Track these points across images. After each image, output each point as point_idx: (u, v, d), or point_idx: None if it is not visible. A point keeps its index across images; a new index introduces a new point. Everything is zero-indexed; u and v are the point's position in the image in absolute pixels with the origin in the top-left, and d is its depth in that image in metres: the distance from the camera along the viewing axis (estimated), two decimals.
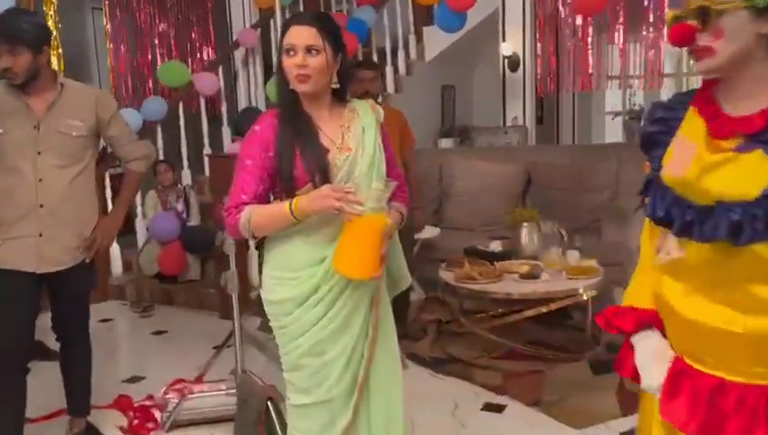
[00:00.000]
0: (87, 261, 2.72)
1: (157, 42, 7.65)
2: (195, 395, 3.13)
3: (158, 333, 4.65)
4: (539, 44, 6.95)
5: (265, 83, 6.54)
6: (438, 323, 4.23)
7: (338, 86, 1.91)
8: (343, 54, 1.91)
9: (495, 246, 4.23)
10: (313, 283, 1.86)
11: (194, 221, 5.43)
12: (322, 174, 1.82)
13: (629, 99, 8.25)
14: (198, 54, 7.86)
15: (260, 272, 1.96)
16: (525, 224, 4.10)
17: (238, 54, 6.90)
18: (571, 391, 3.27)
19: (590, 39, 6.94)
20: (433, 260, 4.41)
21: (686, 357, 1.35)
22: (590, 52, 6.95)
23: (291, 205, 1.78)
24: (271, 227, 1.85)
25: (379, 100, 3.62)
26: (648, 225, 1.49)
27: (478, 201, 5.21)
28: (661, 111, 1.40)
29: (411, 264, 2.30)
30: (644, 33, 6.99)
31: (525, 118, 6.82)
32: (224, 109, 6.59)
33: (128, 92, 7.46)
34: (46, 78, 2.58)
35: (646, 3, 6.89)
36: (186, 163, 6.14)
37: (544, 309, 3.67)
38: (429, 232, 4.72)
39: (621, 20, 6.88)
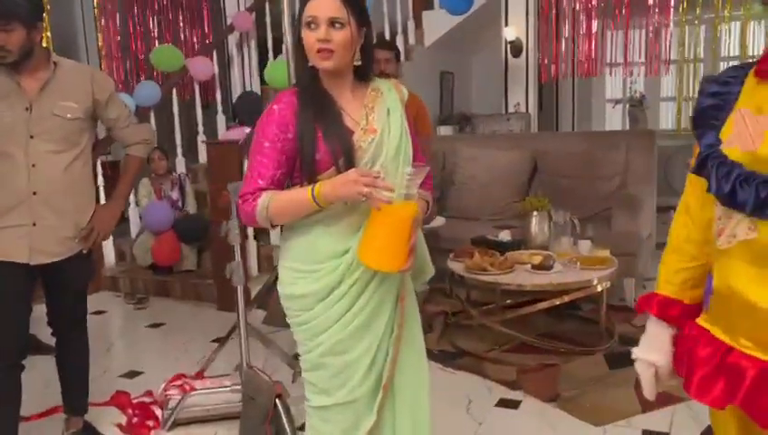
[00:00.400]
0: (84, 252, 2.56)
1: (150, 25, 7.43)
2: (197, 392, 2.99)
3: (155, 325, 4.50)
4: (542, 29, 6.79)
5: (260, 69, 6.37)
6: (445, 315, 4.11)
7: (360, 63, 1.76)
8: (368, 29, 1.76)
9: (505, 235, 4.09)
10: (336, 276, 1.71)
11: (190, 209, 5.28)
12: (347, 157, 1.67)
13: (630, 86, 8.11)
14: (192, 38, 7.65)
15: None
16: (536, 213, 3.97)
17: (232, 39, 6.74)
18: (587, 386, 3.16)
19: (594, 24, 6.80)
20: (438, 250, 4.25)
21: (752, 345, 1.27)
22: (593, 37, 6.81)
23: (313, 190, 1.63)
24: (291, 215, 1.70)
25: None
26: (685, 205, 1.44)
27: (484, 190, 5.08)
28: (716, 86, 1.34)
29: None
30: (649, 18, 6.86)
31: (528, 104, 6.69)
32: (218, 95, 6.42)
33: (119, 77, 7.26)
34: (39, 56, 2.42)
35: None
36: (180, 151, 5.97)
37: (558, 301, 3.54)
38: (434, 221, 4.58)
39: (626, 4, 6.74)
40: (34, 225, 2.42)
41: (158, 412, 3.07)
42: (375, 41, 2.05)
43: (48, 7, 5.63)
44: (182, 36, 7.56)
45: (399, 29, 6.61)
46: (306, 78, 1.75)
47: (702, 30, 7.96)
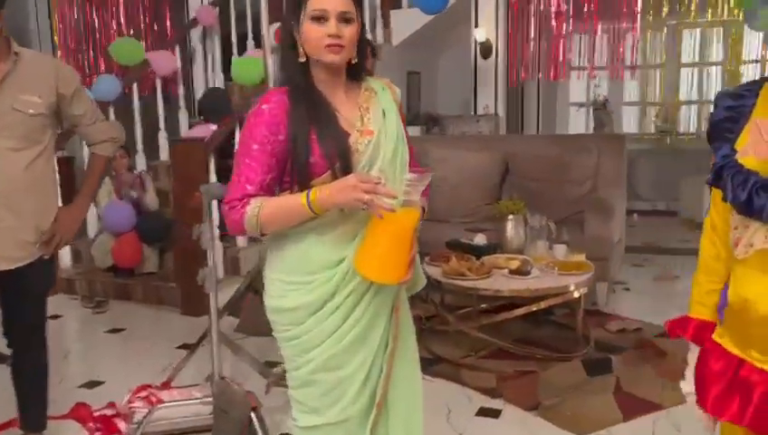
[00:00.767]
0: (45, 258, 2.39)
1: (108, 17, 7.15)
2: (165, 404, 2.83)
3: (114, 331, 4.30)
4: (512, 31, 6.78)
5: (224, 64, 6.20)
6: (420, 320, 4.02)
7: (356, 60, 1.66)
8: (362, 24, 1.66)
9: (480, 239, 4.03)
10: (330, 287, 1.61)
11: (151, 207, 5.06)
12: (344, 161, 1.56)
13: (593, 89, 8.18)
14: (153, 31, 7.40)
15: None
16: (511, 216, 3.92)
17: (195, 33, 6.54)
18: (567, 394, 3.10)
19: (564, 27, 6.82)
20: None
21: (762, 358, 1.28)
22: (562, 40, 6.83)
23: (307, 197, 1.52)
24: (282, 223, 1.58)
25: None
26: (711, 223, 1.44)
27: (454, 191, 5.01)
28: (730, 100, 1.39)
29: None
30: (615, 23, 6.93)
31: (497, 106, 6.66)
32: (180, 90, 6.21)
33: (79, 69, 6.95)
34: (0, 46, 2.23)
35: None
36: (140, 147, 5.75)
37: (535, 307, 3.49)
38: None
39: (594, 8, 6.78)
40: None
41: (122, 426, 2.90)
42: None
43: None
44: (142, 29, 7.29)
45: (368, 27, 6.52)
46: (297, 76, 1.63)
47: (664, 35, 8.08)
